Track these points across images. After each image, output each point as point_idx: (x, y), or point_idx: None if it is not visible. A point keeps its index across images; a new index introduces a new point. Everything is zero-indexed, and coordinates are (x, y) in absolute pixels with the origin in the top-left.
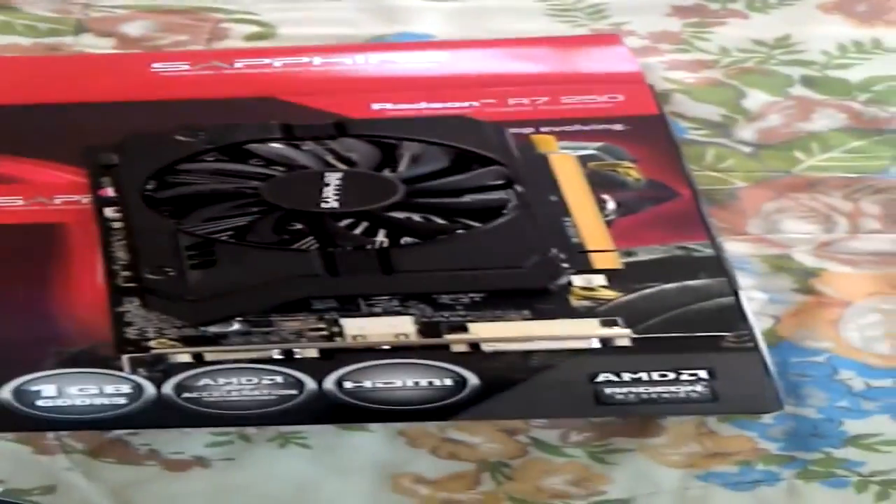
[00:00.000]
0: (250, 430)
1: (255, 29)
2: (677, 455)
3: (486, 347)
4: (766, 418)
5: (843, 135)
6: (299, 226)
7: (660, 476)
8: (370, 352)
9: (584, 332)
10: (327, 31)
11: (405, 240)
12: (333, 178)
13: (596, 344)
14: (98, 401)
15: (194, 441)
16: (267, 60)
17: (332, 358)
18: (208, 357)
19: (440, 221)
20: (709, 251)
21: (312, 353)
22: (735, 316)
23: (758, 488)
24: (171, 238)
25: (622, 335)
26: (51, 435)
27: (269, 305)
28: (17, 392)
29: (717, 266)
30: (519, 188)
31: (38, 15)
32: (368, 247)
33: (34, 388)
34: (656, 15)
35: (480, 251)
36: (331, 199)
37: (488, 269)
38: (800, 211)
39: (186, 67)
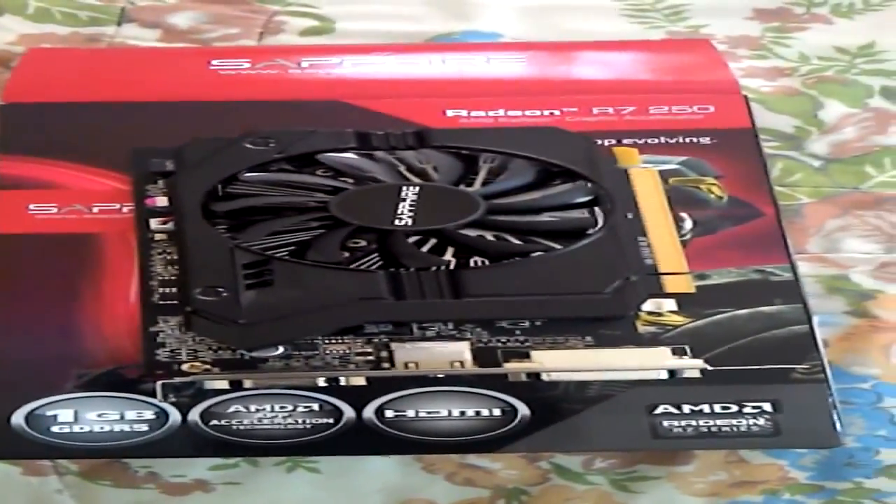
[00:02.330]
0: None
1: (312, 23)
2: (703, 483)
3: (546, 377)
4: None
5: None
6: (362, 243)
7: None
8: (416, 378)
9: (654, 363)
10: (389, 27)
11: (475, 260)
12: (411, 193)
13: (664, 375)
14: (118, 427)
15: (198, 464)
16: (335, 59)
17: (378, 385)
18: (246, 384)
19: (514, 241)
20: (787, 275)
21: (359, 380)
22: (807, 345)
23: None
24: (227, 255)
25: (693, 366)
26: None
27: (327, 331)
28: (31, 417)
29: (794, 291)
30: (605, 207)
31: (80, 2)
32: (436, 268)
33: (49, 412)
34: (737, 18)
35: (558, 275)
36: (405, 215)
37: (566, 294)
38: (863, 229)
39: (247, 65)
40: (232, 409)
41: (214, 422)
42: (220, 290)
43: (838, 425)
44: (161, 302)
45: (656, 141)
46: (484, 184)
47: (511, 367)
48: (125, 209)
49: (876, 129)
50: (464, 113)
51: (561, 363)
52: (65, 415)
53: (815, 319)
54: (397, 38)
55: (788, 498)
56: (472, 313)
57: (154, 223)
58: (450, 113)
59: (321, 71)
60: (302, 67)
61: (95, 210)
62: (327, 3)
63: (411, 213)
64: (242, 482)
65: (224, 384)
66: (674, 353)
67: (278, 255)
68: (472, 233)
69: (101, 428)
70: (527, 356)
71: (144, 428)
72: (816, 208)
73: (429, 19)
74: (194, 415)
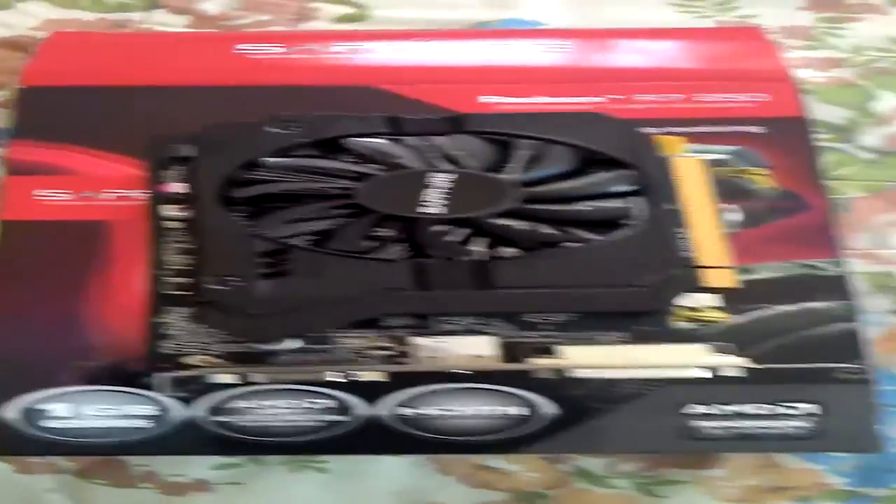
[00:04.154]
0: None
1: (346, 10)
2: (734, 489)
3: (574, 374)
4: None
5: None
6: (388, 232)
7: None
8: (435, 375)
9: (692, 360)
10: (426, 14)
11: (505, 251)
12: (440, 180)
13: (702, 373)
14: (117, 423)
15: (198, 463)
16: (366, 45)
17: (395, 381)
18: (252, 379)
19: (547, 231)
20: (836, 270)
21: (375, 376)
22: (853, 344)
23: None
24: (244, 243)
25: (734, 364)
26: None
27: (344, 323)
28: (26, 411)
29: (842, 288)
30: (643, 197)
31: None
32: (464, 258)
33: (46, 406)
34: (789, 8)
35: (592, 267)
36: (435, 203)
37: (599, 287)
38: None
39: (275, 50)
40: (240, 404)
41: (220, 418)
42: (234, 279)
43: (882, 430)
44: (170, 292)
45: (704, 130)
46: (521, 172)
47: (537, 363)
48: (138, 196)
49: None
50: (499, 100)
51: (590, 360)
52: (62, 409)
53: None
54: (436, 25)
55: None
56: (500, 305)
57: (166, 210)
58: (482, 99)
59: (353, 56)
60: (333, 52)
61: (107, 197)
62: None
63: (442, 202)
64: (245, 482)
65: (231, 378)
66: (714, 350)
67: (298, 244)
68: (504, 222)
69: (101, 424)
70: (554, 352)
71: (146, 424)
72: (866, 203)
73: (468, 7)
74: (199, 410)
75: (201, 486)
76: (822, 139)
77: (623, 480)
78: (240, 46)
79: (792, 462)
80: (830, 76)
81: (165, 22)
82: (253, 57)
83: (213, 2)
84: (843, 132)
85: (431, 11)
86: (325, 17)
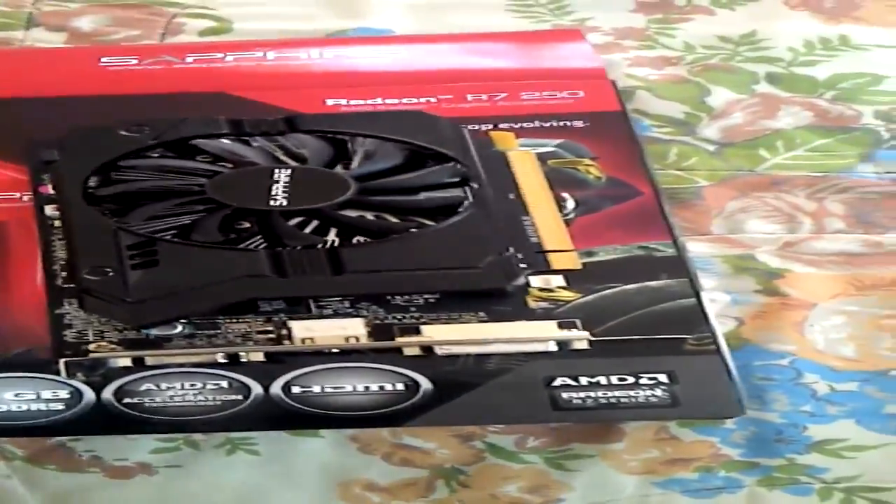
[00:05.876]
0: (198, 437)
1: (210, 24)
2: (636, 461)
3: (439, 350)
4: (728, 423)
5: (809, 133)
6: (246, 224)
7: (619, 483)
8: (320, 355)
9: (541, 335)
10: (285, 25)
11: (357, 239)
12: (283, 175)
13: (552, 347)
14: (35, 406)
15: (140, 447)
16: (219, 55)
17: (281, 362)
18: (149, 361)
19: (393, 220)
20: (670, 251)
21: (259, 356)
22: (697, 318)
23: (719, 495)
24: (112, 237)
25: (579, 338)
26: None
27: (212, 307)
28: None
29: (679, 266)
30: (475, 186)
31: None
32: (318, 246)
33: None
34: (621, 11)
35: (435, 250)
36: (279, 196)
37: (443, 269)
38: (764, 210)
39: (135, 62)
40: (144, 387)
41: (127, 399)
42: (107, 270)
43: (741, 396)
44: (65, 285)
45: (531, 125)
46: (357, 166)
47: (403, 340)
48: (25, 198)
49: (764, 114)
50: (343, 102)
51: (449, 336)
52: None
53: (710, 294)
54: (292, 36)
55: (724, 475)
56: (351, 288)
57: (49, 210)
58: (329, 102)
59: (205, 65)
60: (187, 63)
61: None
62: (225, 5)
63: (285, 194)
64: (183, 465)
65: (128, 362)
66: (561, 326)
67: (162, 236)
68: (352, 213)
69: (19, 407)
70: (418, 331)
71: (60, 406)
72: (715, 191)
73: (323, 18)
74: (107, 393)
75: (144, 469)
76: (664, 133)
77: (533, 456)
78: (104, 59)
79: (686, 435)
80: (665, 73)
81: (44, 39)
82: (116, 69)
83: (87, 19)
84: (684, 126)
85: (288, 23)
86: (191, 31)
